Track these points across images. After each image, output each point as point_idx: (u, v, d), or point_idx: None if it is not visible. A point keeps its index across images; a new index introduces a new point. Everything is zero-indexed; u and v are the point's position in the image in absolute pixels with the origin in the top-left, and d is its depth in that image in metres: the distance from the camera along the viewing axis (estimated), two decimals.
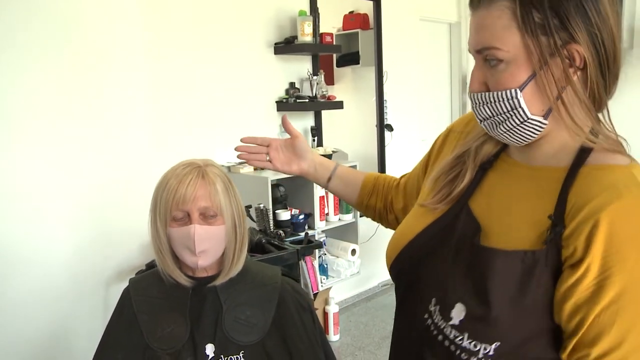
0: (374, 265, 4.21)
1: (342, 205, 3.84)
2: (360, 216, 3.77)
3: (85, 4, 2.75)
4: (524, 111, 0.93)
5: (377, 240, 3.65)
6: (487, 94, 0.95)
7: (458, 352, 0.94)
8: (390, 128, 4.48)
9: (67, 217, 2.76)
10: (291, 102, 3.66)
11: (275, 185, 3.44)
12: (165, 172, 1.43)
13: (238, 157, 1.47)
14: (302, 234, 3.26)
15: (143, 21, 2.98)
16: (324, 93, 3.79)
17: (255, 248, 2.86)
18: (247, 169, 3.35)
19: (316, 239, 3.49)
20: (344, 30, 4.47)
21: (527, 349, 0.92)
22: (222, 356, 1.39)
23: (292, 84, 3.76)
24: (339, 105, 3.89)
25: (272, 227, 3.17)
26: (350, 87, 4.65)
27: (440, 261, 1.03)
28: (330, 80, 4.28)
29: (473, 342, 0.92)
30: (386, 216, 1.44)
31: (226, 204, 1.41)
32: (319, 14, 3.74)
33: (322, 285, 3.69)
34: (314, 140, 3.90)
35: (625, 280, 0.85)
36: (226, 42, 3.38)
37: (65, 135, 2.71)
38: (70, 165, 2.75)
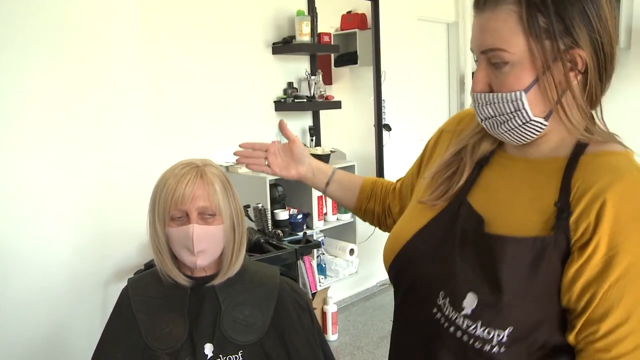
0: (372, 265, 4.21)
1: (340, 205, 3.84)
2: None
3: (85, 4, 2.74)
4: (527, 112, 0.96)
5: (376, 240, 3.65)
6: (491, 94, 0.98)
7: (472, 341, 0.96)
8: (388, 128, 4.48)
9: (66, 217, 2.75)
10: (289, 102, 3.66)
11: (274, 185, 3.45)
12: (164, 172, 1.43)
13: (237, 161, 1.47)
14: (301, 234, 3.26)
15: (142, 21, 2.98)
16: (322, 93, 3.79)
17: (254, 248, 2.86)
18: (246, 169, 3.33)
19: (314, 238, 3.49)
20: (342, 30, 4.48)
21: (537, 334, 0.95)
22: (220, 356, 1.39)
23: (290, 84, 3.76)
24: (337, 105, 3.89)
25: (270, 227, 3.17)
26: (348, 87, 4.65)
27: (444, 255, 1.04)
28: (328, 80, 4.29)
29: (487, 330, 0.94)
30: (385, 220, 1.45)
31: (225, 203, 1.41)
32: (317, 13, 3.74)
33: (320, 285, 3.69)
34: (312, 140, 3.90)
35: (631, 256, 0.88)
36: (224, 42, 3.38)
37: (64, 135, 2.71)
38: (69, 165, 2.74)
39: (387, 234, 1.24)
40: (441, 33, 5.28)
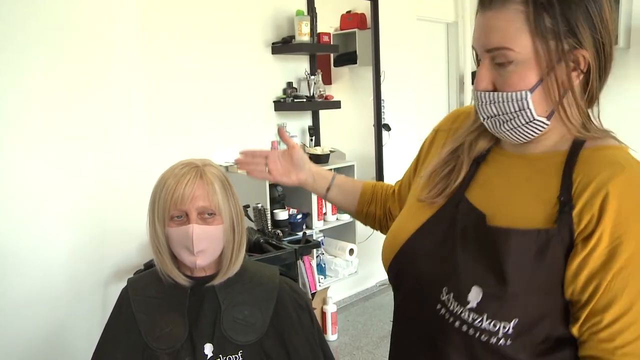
0: (371, 265, 4.21)
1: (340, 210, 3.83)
2: None
3: (85, 4, 2.75)
4: (531, 112, 0.97)
5: (375, 240, 3.64)
6: (495, 93, 0.99)
7: (477, 334, 0.97)
8: (387, 128, 4.48)
9: (65, 217, 2.76)
10: (289, 101, 3.66)
11: (273, 185, 3.45)
12: (164, 172, 1.43)
13: (238, 169, 1.47)
14: (300, 234, 3.26)
15: (142, 21, 2.98)
16: (322, 93, 3.80)
17: (253, 248, 2.86)
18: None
19: (314, 238, 3.49)
20: (341, 29, 4.48)
21: (541, 327, 0.96)
22: (220, 356, 1.39)
23: (289, 84, 3.76)
24: (336, 105, 3.89)
25: (270, 227, 3.17)
26: (348, 86, 4.65)
27: (445, 252, 1.05)
28: (327, 80, 4.29)
29: (492, 322, 0.96)
30: (386, 223, 1.46)
31: (224, 203, 1.41)
32: (316, 13, 3.75)
33: (320, 285, 3.69)
34: (311, 140, 3.90)
35: (633, 246, 0.91)
36: (224, 42, 3.38)
37: (64, 135, 2.71)
38: (69, 165, 2.75)
39: None
40: (440, 33, 5.28)
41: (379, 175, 4.38)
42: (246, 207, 3.01)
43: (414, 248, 1.11)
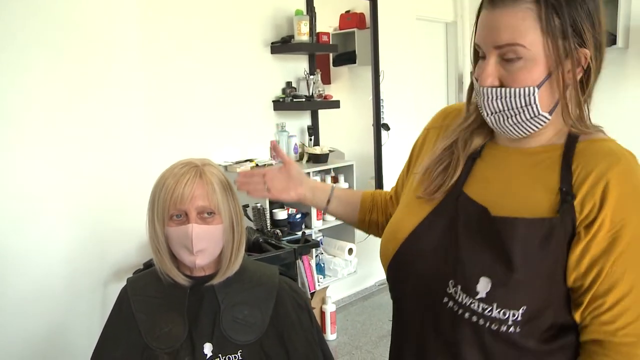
0: (370, 265, 4.21)
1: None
2: None
3: (85, 4, 2.75)
4: (537, 107, 1.01)
5: (374, 239, 3.60)
6: (502, 89, 1.02)
7: (488, 323, 1.01)
8: (386, 127, 4.49)
9: (65, 216, 2.76)
10: (288, 101, 3.66)
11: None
12: (163, 172, 1.43)
13: (238, 189, 1.47)
14: (299, 233, 3.26)
15: (142, 21, 2.98)
16: (321, 92, 3.80)
17: (253, 247, 2.86)
18: (244, 168, 3.35)
19: (313, 238, 3.50)
20: (340, 29, 4.48)
21: (547, 314, 1.01)
22: (220, 355, 1.40)
23: (288, 83, 3.76)
24: (335, 104, 3.89)
25: (269, 227, 3.17)
26: (347, 86, 4.65)
27: (448, 245, 1.08)
28: (326, 80, 4.29)
29: (502, 311, 1.00)
30: None
31: (224, 203, 1.41)
32: (315, 13, 3.75)
33: (319, 285, 3.69)
34: (310, 139, 3.90)
35: (633, 231, 0.97)
36: (223, 41, 3.38)
37: (64, 135, 2.72)
38: (69, 165, 2.75)
39: None
40: (440, 32, 5.28)
41: (378, 175, 4.38)
42: (245, 206, 3.02)
43: (416, 243, 1.13)
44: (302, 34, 3.56)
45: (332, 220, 3.85)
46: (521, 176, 1.08)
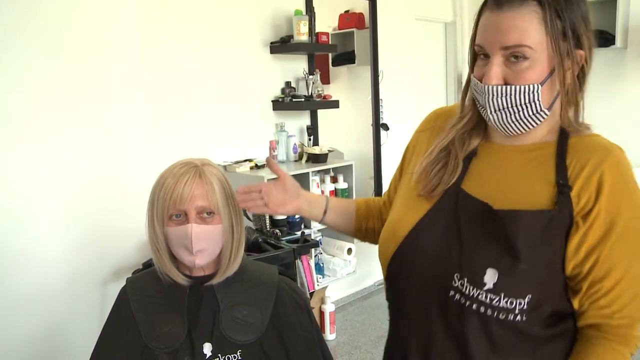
0: (369, 264, 4.21)
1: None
2: None
3: (85, 4, 2.75)
4: (540, 104, 1.07)
5: None
6: (507, 87, 1.07)
7: (495, 313, 1.06)
8: (385, 127, 4.49)
9: (64, 216, 2.76)
10: (287, 101, 3.66)
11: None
12: (163, 172, 1.43)
13: (239, 206, 1.46)
14: (299, 233, 3.27)
15: (141, 21, 2.98)
16: (320, 92, 3.80)
17: (252, 247, 2.86)
18: (244, 168, 3.35)
19: (312, 238, 3.50)
20: (339, 29, 4.48)
21: (549, 301, 1.08)
22: (219, 355, 1.40)
23: (288, 83, 3.76)
24: (334, 104, 3.89)
25: (268, 226, 3.17)
26: (346, 86, 4.65)
27: (450, 240, 1.12)
28: (326, 80, 4.29)
29: (509, 300, 1.05)
30: None
31: (223, 203, 1.41)
32: (314, 13, 3.75)
33: (318, 285, 3.70)
34: (309, 139, 3.90)
35: (626, 218, 1.04)
36: (222, 41, 3.38)
37: (63, 135, 2.72)
38: (69, 164, 2.75)
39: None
40: (439, 32, 5.28)
41: (377, 175, 4.38)
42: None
43: (417, 240, 1.16)
44: (302, 34, 3.56)
45: None
46: (518, 172, 1.13)
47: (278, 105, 3.70)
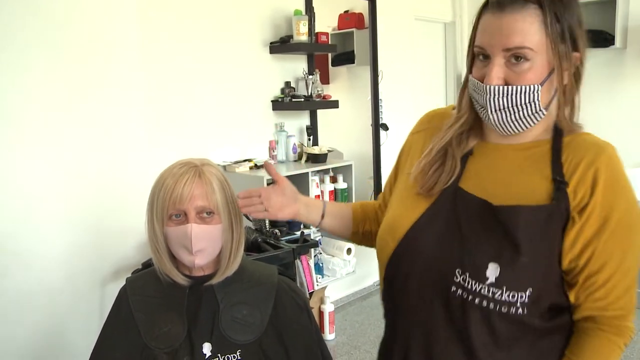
0: (369, 264, 4.21)
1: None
2: None
3: (85, 4, 2.75)
4: (539, 104, 1.10)
5: None
6: (508, 87, 1.09)
7: (498, 307, 1.09)
8: (385, 127, 4.49)
9: (64, 216, 2.76)
10: (287, 101, 3.66)
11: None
12: (162, 172, 1.43)
13: (241, 210, 1.46)
14: (298, 233, 3.27)
15: (141, 21, 2.98)
16: (320, 92, 3.80)
17: (251, 247, 2.87)
18: (243, 168, 3.35)
19: (312, 238, 3.49)
20: (339, 29, 4.48)
21: (548, 294, 1.11)
22: (219, 355, 1.40)
23: (287, 83, 3.76)
24: (334, 104, 3.89)
25: (267, 226, 3.18)
26: (346, 86, 4.65)
27: (450, 237, 1.15)
28: (325, 80, 4.29)
29: (511, 293, 1.08)
30: None
31: (223, 203, 1.42)
32: (314, 13, 3.75)
33: (317, 284, 3.70)
34: (309, 139, 3.90)
35: (619, 212, 1.07)
36: (222, 41, 3.39)
37: (63, 135, 2.72)
38: (69, 164, 2.75)
39: None
40: (438, 33, 5.28)
41: (377, 175, 4.38)
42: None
43: (417, 238, 1.18)
44: (301, 34, 3.56)
45: None
46: (515, 169, 1.16)
47: (278, 105, 3.70)
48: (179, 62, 3.18)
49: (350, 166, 3.85)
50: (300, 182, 3.52)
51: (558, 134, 1.16)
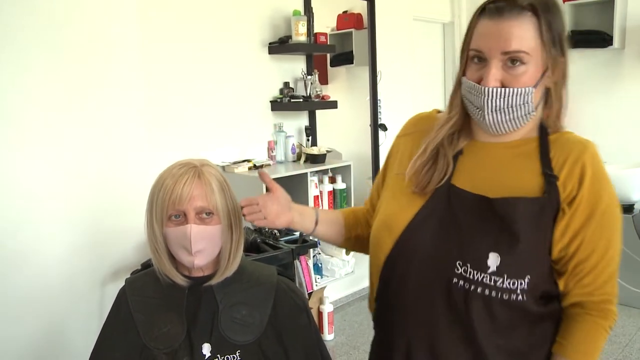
0: (368, 265, 4.21)
1: (337, 204, 3.85)
2: None
3: (85, 4, 2.75)
4: (532, 105, 1.18)
5: None
6: (504, 89, 1.16)
7: (499, 294, 1.15)
8: (384, 128, 4.49)
9: (63, 216, 2.76)
10: (285, 101, 3.66)
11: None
12: (161, 172, 1.44)
13: (246, 218, 1.47)
14: (297, 234, 3.26)
15: (141, 21, 2.98)
16: (318, 93, 3.80)
17: (251, 247, 2.87)
18: (242, 169, 3.35)
19: (311, 238, 3.49)
20: (338, 30, 4.48)
21: (542, 282, 1.19)
22: (218, 355, 1.40)
23: (286, 84, 3.76)
24: (333, 104, 3.89)
25: (266, 227, 3.17)
26: (344, 86, 4.65)
27: (448, 231, 1.20)
28: (324, 80, 4.28)
29: (511, 281, 1.15)
30: None
31: (222, 203, 1.42)
32: (313, 13, 3.75)
33: (316, 285, 3.70)
34: (308, 139, 3.90)
35: (604, 204, 1.17)
36: (221, 41, 3.39)
37: (63, 135, 2.72)
38: (68, 164, 2.75)
39: None
40: (437, 33, 5.29)
41: (376, 175, 4.39)
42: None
43: (410, 240, 1.23)
44: (300, 35, 3.56)
45: None
46: (505, 165, 1.23)
47: (276, 105, 3.70)
48: (179, 62, 3.19)
49: (349, 166, 3.86)
50: (299, 182, 3.52)
51: (544, 132, 1.24)
